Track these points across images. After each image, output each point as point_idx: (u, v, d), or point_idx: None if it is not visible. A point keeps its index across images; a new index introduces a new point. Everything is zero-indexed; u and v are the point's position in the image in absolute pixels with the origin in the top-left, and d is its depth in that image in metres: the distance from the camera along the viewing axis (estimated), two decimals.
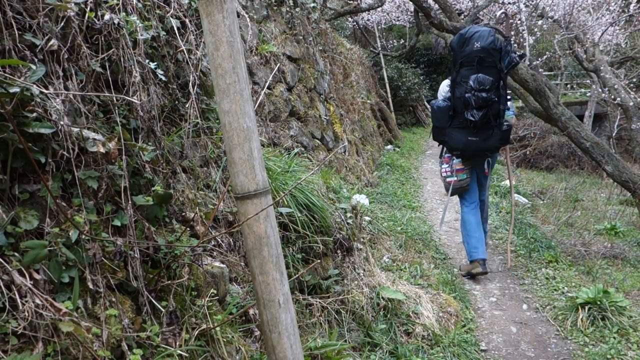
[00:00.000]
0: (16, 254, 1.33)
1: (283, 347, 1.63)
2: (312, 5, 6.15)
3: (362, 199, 4.95)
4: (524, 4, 7.99)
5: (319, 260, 3.01)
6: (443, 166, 4.45)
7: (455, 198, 4.79)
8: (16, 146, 1.38)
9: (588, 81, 11.87)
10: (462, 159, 4.32)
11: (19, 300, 1.27)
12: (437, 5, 6.13)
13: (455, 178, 4.32)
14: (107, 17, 1.81)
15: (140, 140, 1.90)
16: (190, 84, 2.42)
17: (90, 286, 1.49)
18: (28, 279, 1.32)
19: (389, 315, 3.25)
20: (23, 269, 1.32)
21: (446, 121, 4.21)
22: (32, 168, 1.44)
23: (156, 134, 2.01)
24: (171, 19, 2.34)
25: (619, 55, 9.66)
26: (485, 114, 4.00)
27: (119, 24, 1.86)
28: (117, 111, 1.78)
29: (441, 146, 4.45)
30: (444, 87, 4.32)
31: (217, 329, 1.91)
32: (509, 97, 4.24)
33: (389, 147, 10.48)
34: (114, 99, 1.80)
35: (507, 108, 4.18)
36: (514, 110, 4.44)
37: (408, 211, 6.21)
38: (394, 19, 15.20)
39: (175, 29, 2.33)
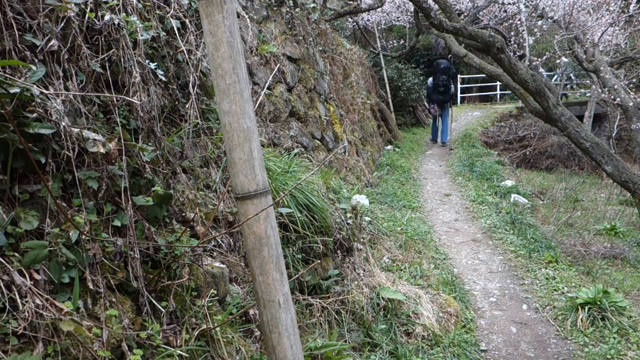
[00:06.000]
0: (16, 254, 1.33)
1: (283, 347, 1.63)
2: (312, 5, 6.15)
3: (362, 200, 4.96)
4: (524, 4, 7.98)
5: (319, 261, 3.01)
6: (430, 109, 11.88)
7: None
8: (16, 146, 1.38)
9: (588, 81, 11.86)
10: (437, 105, 11.42)
11: (19, 300, 1.27)
12: (437, 6, 6.12)
13: (435, 112, 11.67)
14: (107, 17, 1.81)
15: (140, 140, 1.90)
16: (190, 85, 2.42)
17: (91, 286, 1.49)
18: (28, 279, 1.32)
19: (389, 316, 3.25)
20: (23, 269, 1.33)
21: (432, 91, 11.30)
22: (32, 168, 1.44)
23: (156, 135, 2.01)
24: (171, 19, 2.34)
25: (618, 55, 9.64)
26: (444, 90, 11.15)
27: (119, 24, 1.86)
28: (117, 111, 1.78)
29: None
30: (430, 80, 11.48)
31: (217, 329, 1.91)
32: (452, 84, 11.25)
33: (389, 147, 10.48)
34: (114, 100, 1.80)
35: (452, 88, 11.27)
36: (453, 89, 11.47)
37: (408, 211, 6.21)
38: (394, 20, 15.17)
39: (175, 29, 2.33)
